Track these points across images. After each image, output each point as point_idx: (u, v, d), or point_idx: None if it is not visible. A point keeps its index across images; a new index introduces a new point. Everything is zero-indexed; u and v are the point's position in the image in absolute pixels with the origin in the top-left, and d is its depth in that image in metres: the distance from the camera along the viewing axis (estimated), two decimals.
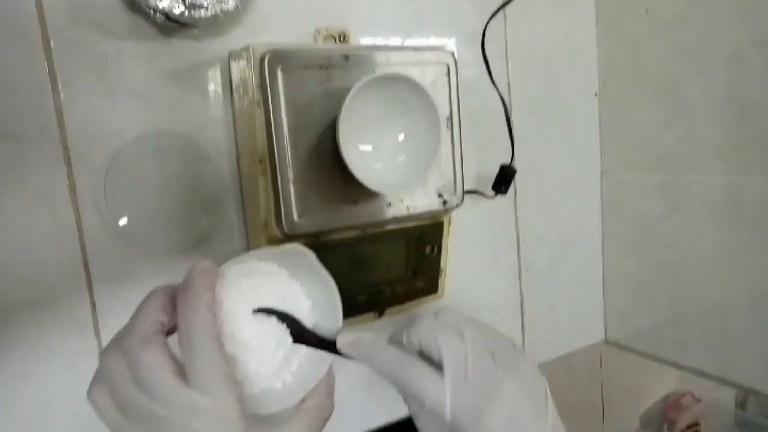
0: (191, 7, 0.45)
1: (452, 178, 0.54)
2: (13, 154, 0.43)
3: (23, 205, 0.43)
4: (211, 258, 0.33)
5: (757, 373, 0.64)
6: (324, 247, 0.49)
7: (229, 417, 0.29)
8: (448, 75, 0.53)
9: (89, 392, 0.31)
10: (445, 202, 0.54)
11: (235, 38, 0.51)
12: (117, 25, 0.46)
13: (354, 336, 0.35)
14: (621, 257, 0.78)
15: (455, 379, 0.34)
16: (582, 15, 0.76)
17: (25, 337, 0.44)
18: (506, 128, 0.62)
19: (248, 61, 0.46)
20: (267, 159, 0.46)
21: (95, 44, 0.45)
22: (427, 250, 0.57)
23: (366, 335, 0.36)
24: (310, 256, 0.35)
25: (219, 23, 0.48)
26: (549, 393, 0.37)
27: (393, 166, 0.48)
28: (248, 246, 0.52)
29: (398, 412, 0.64)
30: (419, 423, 0.36)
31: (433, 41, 0.63)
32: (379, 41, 0.59)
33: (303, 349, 0.35)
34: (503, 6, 0.63)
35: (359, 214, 0.50)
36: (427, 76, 0.52)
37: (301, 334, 0.35)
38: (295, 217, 0.46)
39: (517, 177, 0.69)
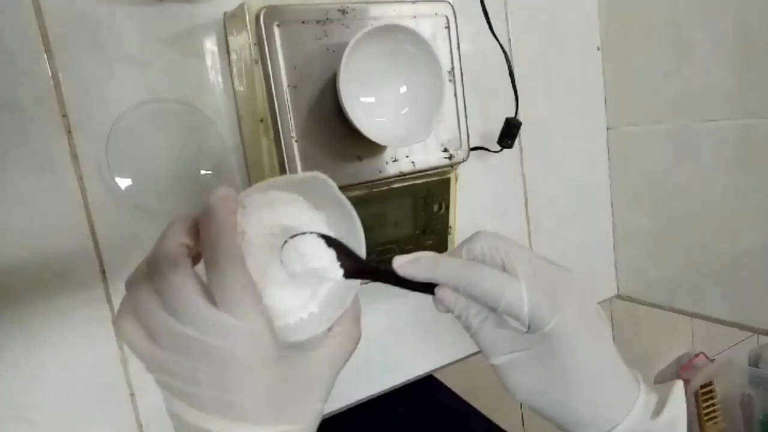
0: None
1: (457, 133, 0.54)
2: (11, 124, 0.42)
3: (25, 174, 0.43)
4: None
5: None
6: None
7: (260, 337, 0.29)
8: (448, 27, 0.52)
9: (117, 323, 0.31)
10: (450, 157, 0.53)
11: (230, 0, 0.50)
12: None
13: (411, 256, 0.36)
14: (631, 211, 0.77)
15: (528, 277, 0.35)
16: None
17: (35, 304, 0.44)
18: (508, 84, 0.61)
19: (244, 18, 0.45)
20: (268, 118, 0.46)
21: (87, 10, 0.45)
22: (435, 207, 0.57)
23: (423, 253, 0.36)
24: (331, 184, 0.34)
25: None
26: None
27: (397, 119, 0.47)
28: None
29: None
30: (483, 337, 0.36)
31: None
32: None
33: (328, 281, 0.35)
34: None
35: (364, 171, 0.49)
36: (427, 29, 0.51)
37: (357, 266, 0.34)
38: None
39: (522, 134, 0.68)
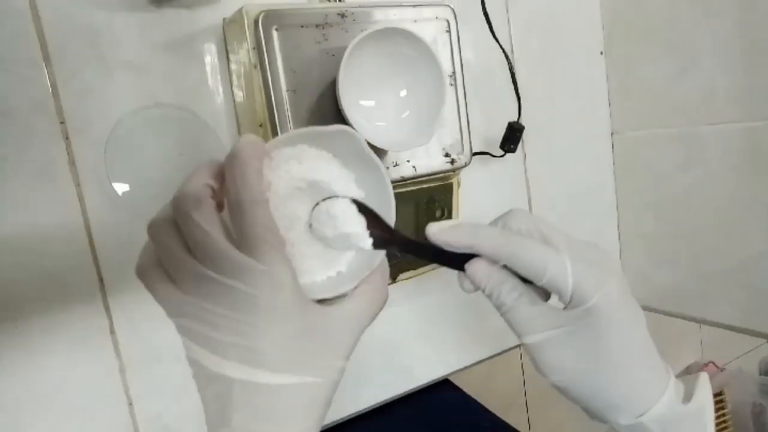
0: None
1: (459, 137, 0.53)
2: (9, 131, 0.42)
3: (23, 181, 0.43)
4: None
5: None
6: None
7: (282, 283, 0.28)
8: (449, 31, 0.52)
9: (137, 267, 0.30)
10: (453, 161, 0.52)
11: (229, 5, 0.49)
12: None
13: (447, 222, 0.35)
14: (637, 216, 0.76)
15: (571, 251, 0.34)
16: None
17: (33, 313, 0.43)
18: (511, 89, 0.61)
19: (242, 23, 0.45)
20: (268, 123, 0.45)
21: (86, 17, 0.44)
22: (438, 212, 0.56)
23: (463, 221, 0.35)
24: (360, 138, 0.33)
25: None
26: None
27: (397, 124, 0.47)
28: None
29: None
30: (518, 315, 0.35)
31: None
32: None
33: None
34: None
35: None
36: (427, 33, 0.50)
37: (387, 236, 0.33)
38: None
39: (525, 139, 0.68)
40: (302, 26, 0.45)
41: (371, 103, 0.46)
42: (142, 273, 0.30)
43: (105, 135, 0.44)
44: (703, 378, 0.37)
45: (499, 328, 0.69)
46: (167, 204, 0.30)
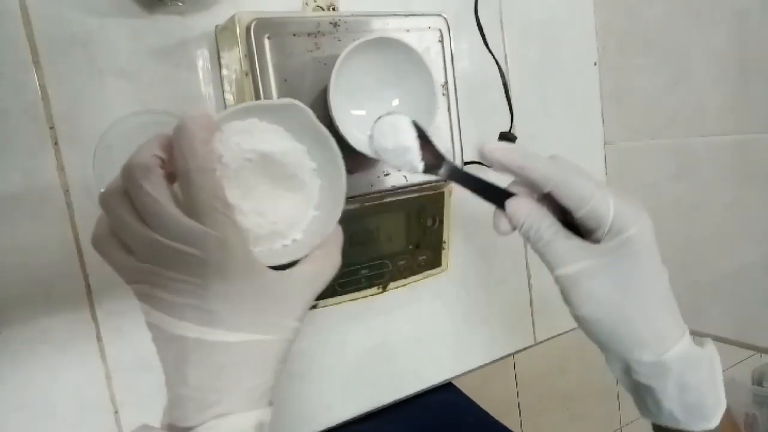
0: None
1: (451, 146, 0.53)
2: None
3: (10, 187, 0.42)
4: None
5: None
6: None
7: (232, 245, 0.29)
8: (441, 41, 0.52)
9: (93, 238, 0.31)
10: None
11: (222, 13, 0.49)
12: (98, 1, 0.45)
13: (505, 143, 0.38)
14: None
15: (610, 188, 0.36)
16: None
17: (20, 320, 0.43)
18: (503, 100, 0.61)
19: (234, 30, 0.45)
20: None
21: (77, 22, 0.44)
22: (429, 222, 0.56)
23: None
24: (308, 111, 0.35)
25: None
26: None
27: None
28: None
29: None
30: (556, 247, 0.36)
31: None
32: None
33: (311, 210, 0.36)
34: None
35: (356, 185, 0.48)
36: (420, 43, 0.50)
37: (435, 162, 0.36)
38: None
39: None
40: (294, 35, 0.45)
41: (362, 112, 0.46)
42: (97, 243, 0.31)
43: (95, 141, 0.44)
44: (708, 340, 0.39)
45: (491, 336, 0.69)
46: (118, 176, 0.30)
